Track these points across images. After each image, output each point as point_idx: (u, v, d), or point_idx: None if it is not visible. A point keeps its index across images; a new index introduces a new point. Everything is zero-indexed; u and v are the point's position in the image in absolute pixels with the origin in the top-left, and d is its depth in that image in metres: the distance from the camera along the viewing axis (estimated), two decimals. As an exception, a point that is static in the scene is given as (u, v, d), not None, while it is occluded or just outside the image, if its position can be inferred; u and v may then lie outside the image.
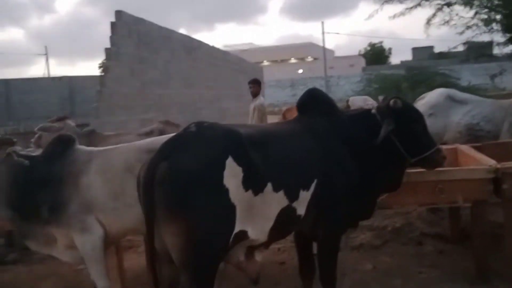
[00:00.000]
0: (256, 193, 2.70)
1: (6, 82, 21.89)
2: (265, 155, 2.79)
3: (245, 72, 21.65)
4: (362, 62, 51.01)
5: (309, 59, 54.38)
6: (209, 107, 15.84)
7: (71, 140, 3.49)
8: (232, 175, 2.59)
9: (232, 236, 2.63)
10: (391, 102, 3.28)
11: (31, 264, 5.18)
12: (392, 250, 4.72)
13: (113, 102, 9.59)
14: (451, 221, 4.83)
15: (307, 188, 2.95)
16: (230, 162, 2.59)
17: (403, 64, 31.32)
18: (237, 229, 2.65)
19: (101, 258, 3.33)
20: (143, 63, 10.96)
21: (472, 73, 26.38)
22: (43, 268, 4.98)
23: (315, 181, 2.99)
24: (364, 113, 3.42)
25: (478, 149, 4.46)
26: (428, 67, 18.76)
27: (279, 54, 53.89)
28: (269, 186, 2.75)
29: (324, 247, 3.21)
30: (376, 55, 55.32)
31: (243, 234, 2.71)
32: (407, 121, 3.26)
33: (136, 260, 4.92)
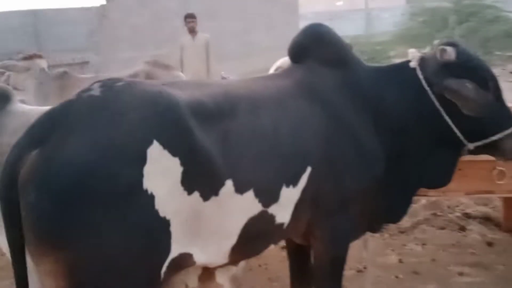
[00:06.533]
0: (206, 196, 1.70)
1: (34, 13, 21.00)
2: (223, 135, 1.76)
3: (277, 1, 20.08)
4: (408, -8, 47.96)
5: (351, -11, 51.31)
6: (235, 41, 14.56)
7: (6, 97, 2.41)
8: (161, 171, 1.58)
9: (167, 264, 1.66)
10: (438, 51, 2.13)
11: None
12: (425, 236, 3.67)
13: (118, 35, 8.61)
14: (505, 201, 3.68)
15: (293, 182, 1.93)
16: (155, 151, 1.57)
17: (451, -6, 28.62)
18: (174, 252, 1.66)
19: None
20: (155, -10, 9.80)
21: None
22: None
23: (308, 170, 1.96)
24: (399, 67, 2.31)
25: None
26: (479, -3, 16.79)
27: (319, -17, 51.02)
28: (228, 185, 1.74)
29: (323, 265, 2.19)
30: (422, -16, 51.92)
31: (186, 259, 1.73)
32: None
33: None
